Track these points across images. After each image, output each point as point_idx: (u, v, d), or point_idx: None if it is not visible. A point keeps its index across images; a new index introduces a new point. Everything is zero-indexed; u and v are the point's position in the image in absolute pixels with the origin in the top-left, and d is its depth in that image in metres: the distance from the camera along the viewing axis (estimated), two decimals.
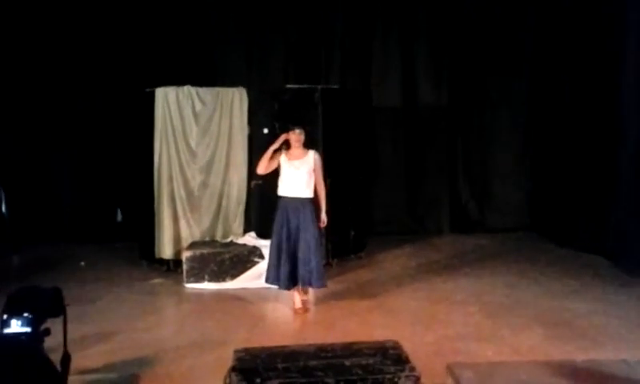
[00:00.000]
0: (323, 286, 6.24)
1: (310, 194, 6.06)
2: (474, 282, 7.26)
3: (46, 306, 2.76)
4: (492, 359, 4.86)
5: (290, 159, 6.07)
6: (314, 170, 6.05)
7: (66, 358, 2.93)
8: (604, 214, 8.09)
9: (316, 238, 6.05)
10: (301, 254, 6.02)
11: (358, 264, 8.04)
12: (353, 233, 8.17)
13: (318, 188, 6.11)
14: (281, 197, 6.11)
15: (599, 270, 7.61)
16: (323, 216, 6.10)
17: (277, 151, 6.14)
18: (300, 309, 6.22)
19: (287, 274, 6.05)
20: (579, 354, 4.88)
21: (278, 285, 6.18)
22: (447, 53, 10.04)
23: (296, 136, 6.03)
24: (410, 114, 10.12)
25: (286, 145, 6.14)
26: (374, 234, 9.28)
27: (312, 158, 6.04)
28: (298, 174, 6.01)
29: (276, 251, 6.11)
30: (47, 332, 2.76)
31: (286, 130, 6.15)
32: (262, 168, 6.20)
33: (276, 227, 6.10)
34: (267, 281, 6.30)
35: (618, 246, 7.71)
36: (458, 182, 10.17)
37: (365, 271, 7.81)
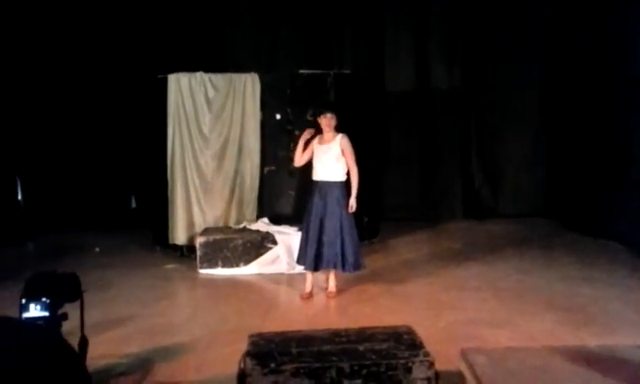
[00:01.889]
0: (355, 270, 6.18)
1: (338, 178, 6.06)
2: (487, 268, 7.24)
3: (63, 291, 2.79)
4: (505, 344, 4.84)
5: (320, 144, 6.11)
6: (343, 154, 6.04)
7: (84, 342, 2.97)
8: (618, 200, 8.03)
9: (344, 222, 6.01)
10: (326, 237, 6.03)
11: (371, 250, 8.04)
12: (366, 219, 8.17)
13: (350, 172, 6.08)
14: (313, 181, 6.15)
15: (613, 255, 7.57)
16: (352, 201, 6.03)
17: (310, 140, 6.16)
18: (306, 295, 6.24)
19: (313, 256, 6.08)
20: (593, 340, 4.86)
21: (304, 266, 6.22)
22: (460, 35, 9.97)
23: (327, 120, 6.04)
24: (423, 97, 10.07)
25: (319, 129, 6.15)
26: (387, 220, 9.29)
27: (339, 142, 6.03)
28: (326, 158, 6.03)
29: (305, 233, 6.18)
30: (65, 316, 2.80)
31: (319, 114, 6.14)
32: (297, 161, 6.28)
33: (307, 210, 6.17)
34: (297, 261, 6.42)
35: (632, 231, 7.65)
36: (471, 168, 10.12)
37: (378, 257, 7.81)
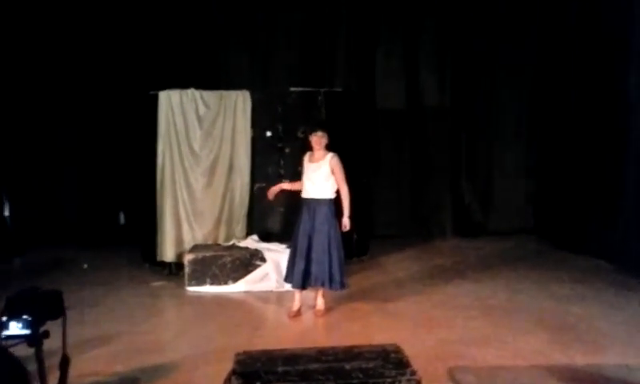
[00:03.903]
0: (341, 288, 6.16)
1: (325, 196, 6.06)
2: (477, 286, 7.24)
3: (45, 309, 2.76)
4: (493, 363, 4.84)
5: (310, 162, 6.13)
6: (333, 173, 6.05)
7: (65, 361, 2.92)
8: (608, 218, 8.07)
9: (332, 239, 6.01)
10: (314, 255, 6.02)
11: (360, 267, 8.03)
12: (355, 236, 8.15)
13: (340, 191, 6.09)
14: (302, 198, 6.16)
15: (602, 274, 7.58)
16: (345, 220, 6.03)
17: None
18: (293, 313, 6.20)
19: (300, 273, 6.05)
20: (581, 359, 4.87)
21: (292, 284, 6.20)
22: (450, 52, 10.04)
23: (317, 138, 6.06)
24: (414, 116, 10.12)
25: (310, 147, 6.17)
26: (377, 237, 9.28)
27: (328, 161, 6.04)
28: (315, 176, 6.05)
29: (293, 251, 6.17)
30: (46, 334, 2.76)
31: (310, 132, 6.18)
32: (300, 188, 6.25)
33: (295, 228, 6.17)
34: (285, 279, 6.39)
35: (621, 250, 7.68)
36: (461, 186, 10.15)
37: (367, 274, 7.80)
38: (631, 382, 4.00)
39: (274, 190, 6.46)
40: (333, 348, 3.78)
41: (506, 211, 10.03)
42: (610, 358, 4.84)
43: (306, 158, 6.19)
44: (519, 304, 6.53)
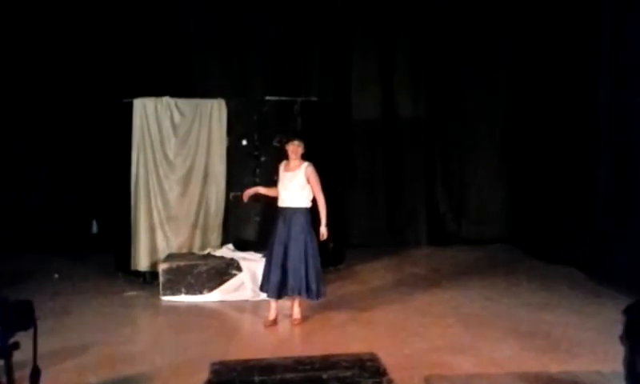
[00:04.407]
0: (317, 298, 6.15)
1: (301, 204, 6.05)
2: (451, 295, 7.28)
3: (15, 319, 2.69)
4: (469, 371, 4.87)
5: (285, 171, 6.12)
6: (309, 182, 6.05)
7: (36, 373, 2.86)
8: (579, 227, 8.20)
9: (308, 249, 6.01)
10: (290, 264, 6.00)
11: (337, 276, 8.02)
12: (331, 245, 8.15)
13: (317, 201, 6.10)
14: (277, 207, 6.15)
15: (574, 282, 7.69)
16: (322, 229, 6.07)
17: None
18: (269, 322, 6.18)
19: (276, 282, 6.03)
20: (555, 366, 4.93)
21: (267, 293, 6.16)
22: (425, 65, 10.13)
23: (294, 147, 6.06)
24: (389, 126, 10.18)
25: (286, 156, 6.17)
26: (353, 247, 9.29)
27: (304, 170, 6.04)
28: (291, 186, 6.04)
29: (268, 260, 6.14)
30: (16, 346, 2.70)
31: (287, 141, 6.20)
32: (275, 195, 6.25)
33: (271, 237, 6.14)
34: (260, 289, 6.35)
35: (592, 258, 7.80)
36: (435, 195, 10.23)
37: (343, 283, 7.80)
38: None
39: (249, 192, 6.51)
40: (309, 357, 3.78)
41: (480, 221, 10.13)
42: (583, 365, 4.90)
43: (282, 166, 6.19)
44: (493, 312, 6.58)
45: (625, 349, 2.69)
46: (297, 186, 6.04)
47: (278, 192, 6.18)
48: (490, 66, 10.06)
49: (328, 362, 3.64)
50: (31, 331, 2.87)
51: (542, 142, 9.15)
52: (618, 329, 5.63)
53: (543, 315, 6.40)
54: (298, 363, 3.64)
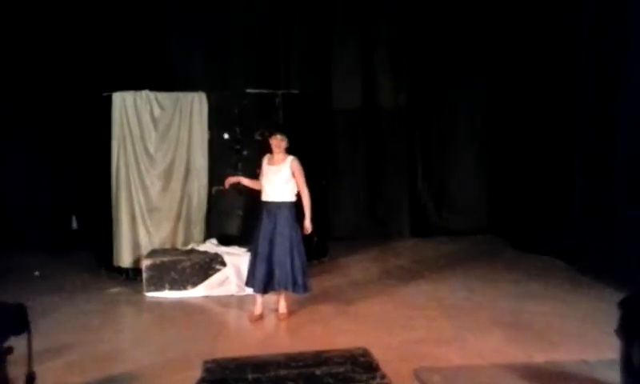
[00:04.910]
0: (304, 292, 6.17)
1: (286, 198, 6.04)
2: (435, 286, 7.34)
3: (8, 324, 2.64)
4: (456, 363, 4.91)
5: (269, 164, 6.08)
6: (294, 176, 6.03)
7: (31, 378, 2.81)
8: (560, 217, 8.31)
9: (293, 243, 6.01)
10: (276, 259, 5.98)
11: (321, 269, 8.02)
12: (315, 238, 8.15)
13: (301, 194, 6.10)
14: (262, 201, 6.12)
15: (556, 272, 7.80)
16: (307, 223, 6.07)
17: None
18: (255, 317, 6.17)
19: (262, 277, 6.01)
20: (540, 356, 5.00)
21: (253, 288, 6.14)
22: (406, 54, 10.14)
23: (277, 141, 6.03)
24: (370, 116, 10.19)
25: (269, 150, 6.13)
26: (336, 239, 9.31)
27: (289, 164, 6.02)
28: (276, 179, 6.01)
29: (253, 255, 6.11)
30: (10, 350, 2.65)
31: (270, 135, 6.16)
32: (257, 187, 6.25)
33: (255, 231, 6.11)
34: (246, 284, 6.33)
35: (573, 248, 7.92)
36: (417, 186, 10.28)
37: (328, 276, 7.80)
38: (591, 378, 4.12)
39: (231, 180, 6.48)
40: (301, 354, 3.78)
41: (461, 211, 10.21)
42: (567, 355, 4.97)
43: (265, 160, 6.16)
44: (477, 303, 6.64)
45: (620, 342, 2.73)
46: (282, 180, 6.02)
47: (260, 185, 6.15)
48: (471, 55, 10.10)
49: (321, 358, 3.64)
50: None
51: (522, 133, 9.24)
52: (599, 317, 5.82)
53: (526, 305, 6.48)
54: (291, 360, 3.64)
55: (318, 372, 3.45)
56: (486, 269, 8.09)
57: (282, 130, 6.23)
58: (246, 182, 6.44)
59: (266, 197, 6.08)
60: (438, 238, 9.92)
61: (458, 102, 10.20)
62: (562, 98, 8.26)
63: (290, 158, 6.07)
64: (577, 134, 7.95)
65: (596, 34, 7.58)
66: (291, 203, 6.09)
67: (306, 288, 6.14)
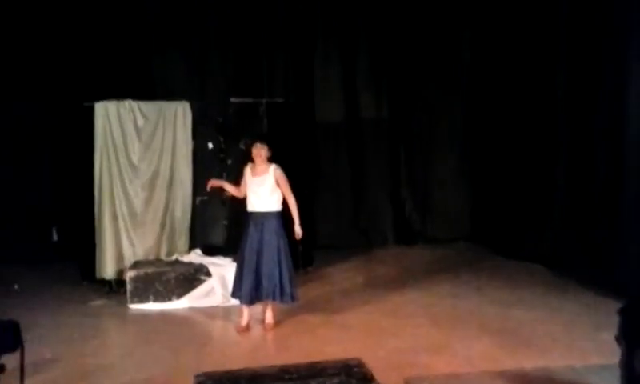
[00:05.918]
0: (293, 301, 6.14)
1: (273, 208, 6.02)
2: (421, 294, 7.35)
3: (2, 340, 2.57)
4: (445, 371, 4.92)
5: (253, 174, 6.04)
6: (278, 184, 6.00)
7: None
8: (542, 224, 8.39)
9: (281, 252, 5.99)
10: (265, 268, 5.94)
11: (306, 279, 7.98)
12: (300, 248, 8.12)
13: (288, 201, 6.08)
14: (247, 212, 6.06)
15: (539, 278, 7.85)
16: (297, 228, 6.05)
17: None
18: (242, 328, 6.12)
19: (249, 288, 5.96)
20: (528, 362, 5.03)
21: (240, 299, 6.08)
22: (387, 65, 10.18)
23: (257, 150, 6.00)
24: (352, 126, 10.20)
25: (251, 159, 6.09)
26: (320, 248, 9.27)
27: (272, 173, 5.99)
28: (261, 190, 5.98)
29: (240, 266, 6.06)
30: (2, 368, 2.58)
31: (251, 144, 6.13)
32: (241, 195, 6.20)
33: (241, 242, 6.07)
34: (232, 295, 6.26)
35: (556, 254, 8.00)
36: (400, 194, 10.29)
37: (313, 286, 7.77)
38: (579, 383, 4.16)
39: (214, 182, 6.43)
40: (295, 365, 3.75)
41: (444, 219, 10.25)
42: (555, 361, 5.01)
43: (248, 170, 6.11)
44: (463, 310, 6.67)
45: (621, 349, 2.75)
46: (267, 191, 5.99)
47: (242, 192, 6.12)
48: (450, 64, 10.17)
49: (314, 370, 3.61)
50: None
51: (502, 140, 9.31)
52: (584, 322, 5.88)
53: (511, 312, 6.52)
54: (285, 372, 3.60)
55: (313, 383, 3.42)
56: (470, 276, 8.12)
57: (263, 138, 6.18)
58: (228, 187, 6.39)
59: (252, 207, 6.04)
60: (422, 245, 9.95)
61: (440, 111, 10.25)
62: (543, 106, 8.35)
63: (273, 166, 6.05)
64: (558, 141, 8.05)
65: (575, 38, 7.69)
66: (278, 213, 6.06)
67: (293, 298, 6.12)
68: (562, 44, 7.99)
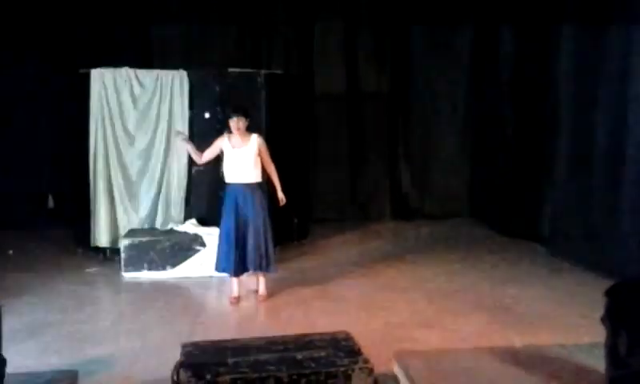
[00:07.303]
0: (275, 271, 6.23)
1: (257, 179, 6.01)
2: (416, 269, 7.34)
3: None
4: (437, 346, 4.91)
5: (233, 146, 5.97)
6: (259, 154, 5.97)
7: (2, 362, 2.73)
8: (539, 202, 8.33)
9: (266, 223, 6.00)
10: (252, 240, 5.94)
11: (301, 251, 7.98)
12: (295, 220, 8.10)
13: (268, 170, 6.08)
14: (228, 184, 6.00)
15: (535, 256, 7.82)
16: (280, 195, 6.09)
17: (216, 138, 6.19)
18: (234, 299, 6.12)
19: (237, 260, 5.96)
20: (520, 340, 5.00)
21: (228, 272, 6.07)
22: (389, 39, 10.07)
23: (234, 123, 5.94)
24: (352, 100, 10.11)
25: (229, 129, 6.02)
26: (316, 221, 9.27)
27: (255, 142, 5.95)
28: (243, 160, 5.93)
29: (225, 238, 6.01)
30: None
31: (228, 117, 6.09)
32: (200, 161, 6.27)
33: (225, 214, 6.01)
34: (217, 269, 6.20)
35: (552, 233, 7.96)
36: (398, 169, 10.24)
37: (308, 258, 7.77)
38: (570, 362, 4.14)
39: (187, 145, 6.43)
40: (282, 337, 3.73)
41: (442, 195, 10.21)
42: (546, 339, 4.99)
43: (227, 142, 6.01)
44: (458, 286, 6.65)
45: (606, 331, 2.72)
46: (251, 161, 5.95)
47: (203, 160, 6.19)
48: (453, 41, 10.06)
49: (302, 342, 3.60)
50: None
51: (503, 118, 9.22)
52: (579, 301, 5.86)
53: (506, 289, 6.50)
54: (272, 344, 3.59)
55: (299, 356, 3.40)
56: (466, 252, 8.10)
57: (238, 110, 6.03)
58: (190, 149, 6.36)
59: (234, 179, 5.97)
60: (419, 221, 9.92)
61: (440, 87, 10.15)
62: (542, 88, 8.24)
63: (254, 136, 6.01)
64: (558, 120, 7.95)
65: (577, 25, 7.56)
66: (261, 183, 6.08)
67: (275, 268, 6.17)
68: (566, 21, 7.84)
